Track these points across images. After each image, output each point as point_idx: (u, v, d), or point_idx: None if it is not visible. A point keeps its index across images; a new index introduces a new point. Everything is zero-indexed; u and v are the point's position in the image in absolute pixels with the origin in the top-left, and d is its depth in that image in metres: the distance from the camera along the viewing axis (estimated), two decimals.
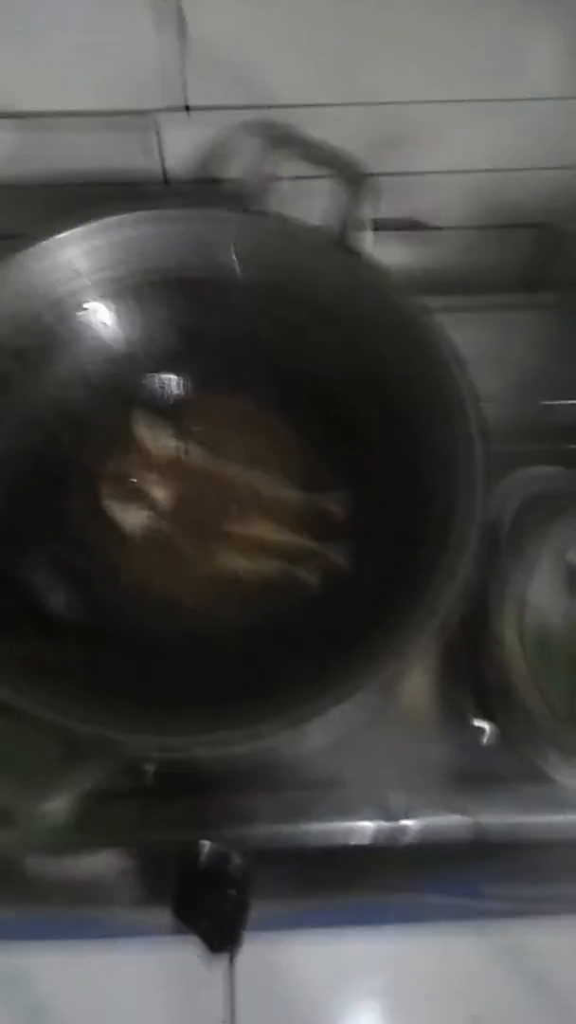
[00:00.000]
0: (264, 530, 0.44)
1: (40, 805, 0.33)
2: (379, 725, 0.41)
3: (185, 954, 0.40)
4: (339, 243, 0.43)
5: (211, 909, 0.39)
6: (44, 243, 0.42)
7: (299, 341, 0.46)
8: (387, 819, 0.40)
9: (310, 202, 0.45)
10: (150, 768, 0.39)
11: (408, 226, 0.51)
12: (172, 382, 0.47)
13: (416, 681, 0.42)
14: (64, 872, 0.40)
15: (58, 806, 0.32)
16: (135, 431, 0.46)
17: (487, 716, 0.42)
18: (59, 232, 0.42)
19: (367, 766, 0.40)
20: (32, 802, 0.33)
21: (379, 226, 0.44)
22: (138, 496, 0.44)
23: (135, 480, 0.45)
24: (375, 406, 0.44)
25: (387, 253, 0.45)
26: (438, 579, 0.35)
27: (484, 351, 0.40)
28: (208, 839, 0.40)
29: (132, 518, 0.44)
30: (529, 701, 0.40)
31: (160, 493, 0.45)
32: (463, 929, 0.43)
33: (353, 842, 0.40)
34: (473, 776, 0.41)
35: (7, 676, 0.33)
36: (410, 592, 0.37)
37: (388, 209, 0.48)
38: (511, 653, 0.40)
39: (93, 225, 0.43)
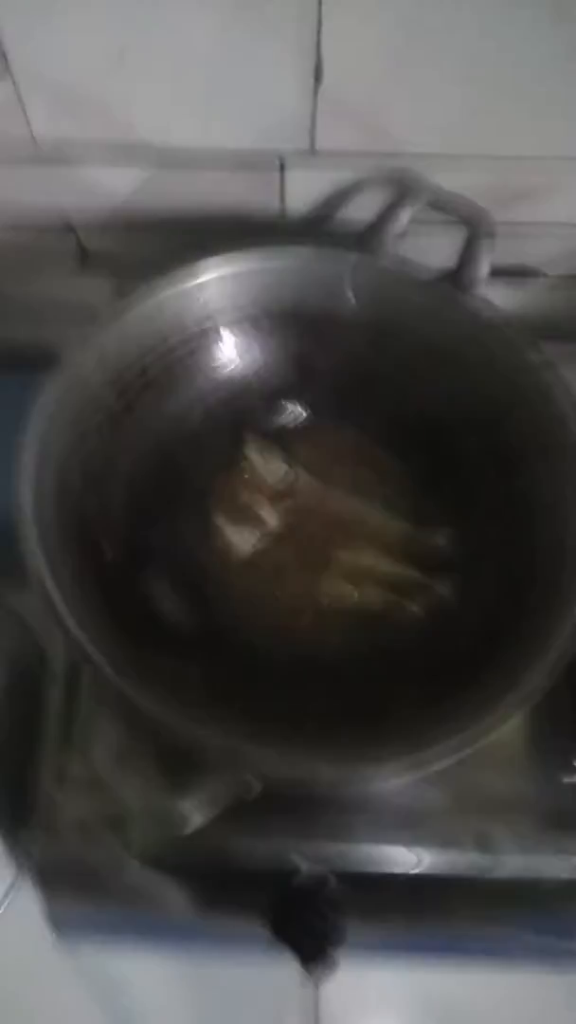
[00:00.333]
0: (370, 559, 0.45)
1: (162, 810, 0.34)
2: (481, 758, 0.41)
3: (275, 972, 0.41)
4: (458, 287, 0.44)
5: (309, 927, 0.40)
6: (176, 273, 0.44)
7: (410, 379, 0.47)
8: (483, 851, 0.41)
9: (429, 246, 0.47)
10: (256, 785, 0.40)
11: (518, 272, 0.53)
12: (285, 411, 0.49)
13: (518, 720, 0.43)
14: (165, 880, 0.41)
15: (181, 814, 0.33)
16: (247, 455, 0.47)
17: None
18: (190, 265, 0.44)
19: (467, 798, 0.41)
20: (155, 805, 0.34)
21: (495, 273, 0.46)
22: (249, 518, 0.46)
23: (246, 502, 0.46)
24: (483, 446, 0.45)
25: (495, 297, 0.46)
26: (549, 621, 0.36)
27: None
28: (306, 858, 0.41)
29: (242, 539, 0.46)
30: None
31: (270, 516, 0.46)
32: (549, 972, 0.43)
33: (448, 872, 0.41)
34: (572, 817, 0.41)
35: (130, 675, 0.35)
36: (518, 628, 0.38)
37: (499, 256, 0.49)
38: None
39: (222, 259, 0.45)
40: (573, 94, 0.43)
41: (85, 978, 0.44)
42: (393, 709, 0.38)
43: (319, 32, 0.39)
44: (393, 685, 0.40)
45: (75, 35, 0.39)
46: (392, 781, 0.37)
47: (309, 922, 0.41)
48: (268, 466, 0.48)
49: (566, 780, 0.42)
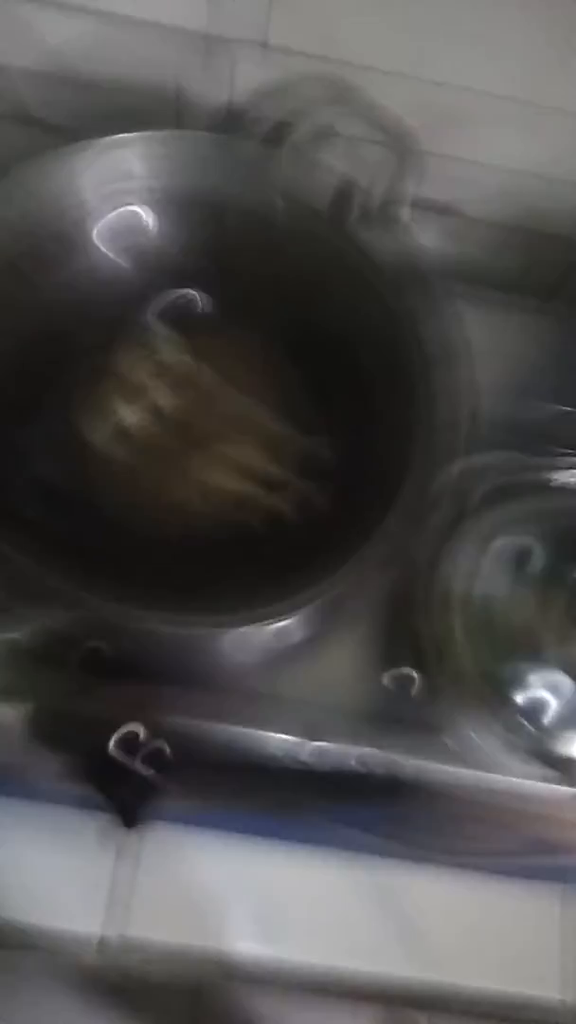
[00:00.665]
0: (251, 456, 0.46)
1: None
2: (316, 655, 0.44)
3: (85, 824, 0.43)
4: (380, 211, 0.45)
5: (129, 783, 0.42)
6: (104, 140, 0.44)
7: (318, 289, 0.48)
8: (305, 737, 0.43)
9: (361, 163, 0.48)
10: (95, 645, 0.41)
11: (444, 210, 0.54)
12: (198, 300, 0.49)
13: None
14: None
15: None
16: (153, 336, 0.48)
17: (418, 667, 0.45)
18: (120, 133, 0.44)
19: (299, 689, 0.43)
20: None
21: (418, 204, 0.47)
22: (141, 397, 0.47)
23: (141, 380, 0.47)
24: (383, 367, 0.47)
25: (421, 232, 0.48)
26: (394, 520, 0.39)
27: (491, 345, 0.44)
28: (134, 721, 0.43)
29: (131, 416, 0.46)
30: (461, 659, 0.43)
31: (163, 400, 0.47)
32: (346, 860, 0.46)
33: (265, 752, 0.43)
34: (393, 718, 0.44)
35: None
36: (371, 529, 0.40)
37: (429, 190, 0.51)
38: (453, 613, 0.43)
39: (157, 135, 0.45)
40: (526, 35, 0.44)
41: None
42: (241, 585, 0.40)
43: None
44: (246, 565, 0.42)
45: None
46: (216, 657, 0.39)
47: (130, 778, 0.43)
48: (171, 352, 0.48)
49: (395, 686, 0.45)
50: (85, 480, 0.45)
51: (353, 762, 0.43)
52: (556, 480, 0.48)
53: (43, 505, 0.42)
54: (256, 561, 0.43)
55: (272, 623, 0.35)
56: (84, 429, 0.46)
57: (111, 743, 0.42)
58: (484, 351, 0.43)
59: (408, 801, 0.45)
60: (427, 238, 0.52)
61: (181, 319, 0.49)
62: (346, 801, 0.45)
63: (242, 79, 0.48)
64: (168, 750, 0.43)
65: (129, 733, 0.42)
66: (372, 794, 0.45)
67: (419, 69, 0.46)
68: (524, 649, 0.44)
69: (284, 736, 0.43)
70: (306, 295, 0.48)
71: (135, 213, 0.47)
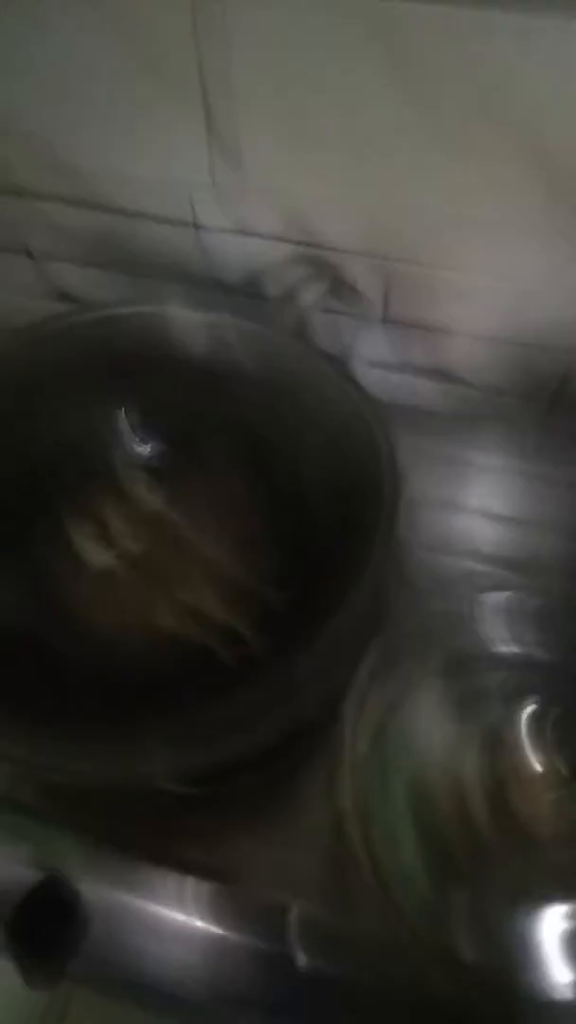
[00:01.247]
0: (200, 599, 0.47)
1: None
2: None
3: None
4: (341, 371, 0.48)
5: (38, 937, 0.41)
6: (98, 314, 0.49)
7: (289, 442, 0.50)
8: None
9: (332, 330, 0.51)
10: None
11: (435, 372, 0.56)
12: (171, 448, 0.52)
13: None
14: None
15: None
16: (121, 479, 0.51)
17: None
18: (125, 307, 0.50)
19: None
20: None
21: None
22: (108, 539, 0.49)
23: (110, 524, 0.49)
24: (330, 520, 0.47)
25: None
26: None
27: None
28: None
29: (97, 557, 0.48)
30: None
31: (129, 542, 0.49)
32: None
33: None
34: None
35: None
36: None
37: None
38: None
39: (137, 309, 0.50)
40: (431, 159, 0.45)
41: None
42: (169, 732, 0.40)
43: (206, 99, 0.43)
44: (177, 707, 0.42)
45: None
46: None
47: (40, 932, 0.41)
48: (141, 494, 0.51)
49: None
50: (43, 615, 0.47)
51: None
52: None
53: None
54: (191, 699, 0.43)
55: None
56: (51, 565, 0.48)
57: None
58: None
59: None
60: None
61: (156, 465, 0.52)
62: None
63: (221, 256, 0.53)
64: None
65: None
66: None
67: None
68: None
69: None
70: (273, 449, 0.50)
71: (117, 369, 0.51)
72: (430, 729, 0.42)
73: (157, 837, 0.44)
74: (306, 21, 0.38)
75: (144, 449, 0.53)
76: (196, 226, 0.51)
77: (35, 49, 0.44)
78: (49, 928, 0.42)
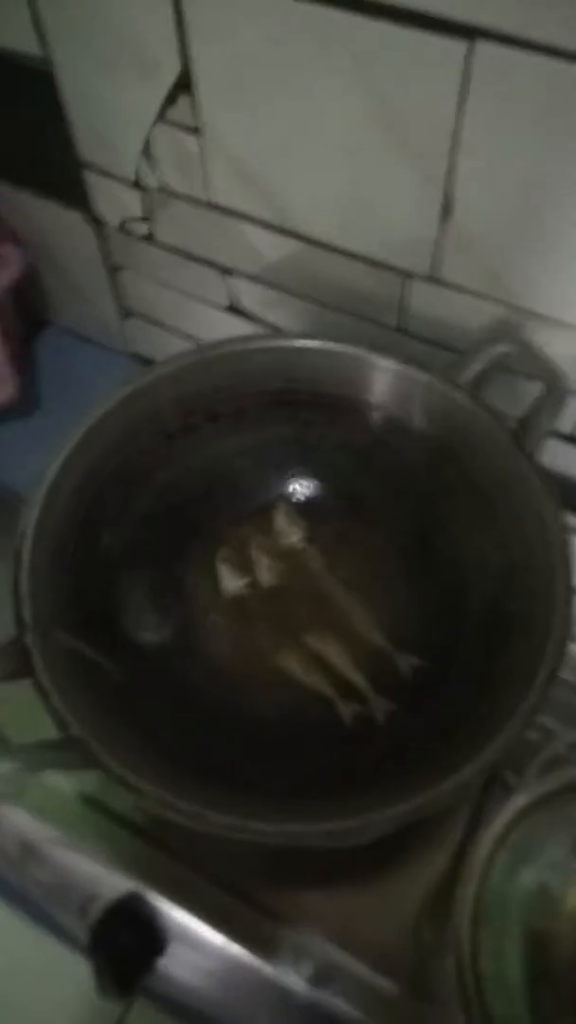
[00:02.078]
0: (329, 651, 0.46)
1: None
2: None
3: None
4: (517, 441, 0.45)
5: (118, 951, 0.42)
6: (278, 343, 0.49)
7: (450, 508, 0.48)
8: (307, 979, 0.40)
9: (512, 394, 0.49)
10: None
11: None
12: (327, 491, 0.52)
13: None
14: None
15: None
16: (274, 515, 0.50)
17: None
18: (284, 340, 0.49)
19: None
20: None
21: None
22: (245, 568, 0.49)
23: (250, 554, 0.49)
24: (484, 601, 0.45)
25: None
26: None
27: None
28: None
29: (231, 582, 0.49)
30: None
31: (265, 576, 0.49)
32: None
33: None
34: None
35: (51, 654, 0.39)
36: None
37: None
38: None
39: (320, 341, 0.49)
40: None
41: None
42: (272, 785, 0.40)
43: (450, 173, 0.42)
44: (295, 765, 0.41)
45: (252, 122, 0.45)
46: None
47: (120, 946, 0.42)
48: (287, 533, 0.50)
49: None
50: (171, 642, 0.47)
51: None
52: None
53: (112, 647, 0.45)
54: (305, 757, 0.43)
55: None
56: (190, 588, 0.49)
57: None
58: None
59: None
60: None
61: (308, 506, 0.51)
62: None
63: (416, 304, 0.51)
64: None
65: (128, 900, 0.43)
66: None
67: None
68: None
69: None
70: (431, 511, 0.49)
71: (294, 403, 0.51)
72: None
73: (247, 876, 0.44)
74: None
75: (301, 486, 0.52)
76: (408, 274, 0.49)
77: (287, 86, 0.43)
78: (129, 942, 0.43)
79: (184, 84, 0.46)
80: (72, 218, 0.60)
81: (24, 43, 0.49)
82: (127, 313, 0.68)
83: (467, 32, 0.35)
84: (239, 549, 0.50)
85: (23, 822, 0.46)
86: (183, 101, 0.47)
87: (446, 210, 0.44)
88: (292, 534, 0.50)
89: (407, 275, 0.49)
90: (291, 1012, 0.40)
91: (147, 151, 0.51)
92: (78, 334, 0.75)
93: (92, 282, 0.66)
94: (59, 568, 0.42)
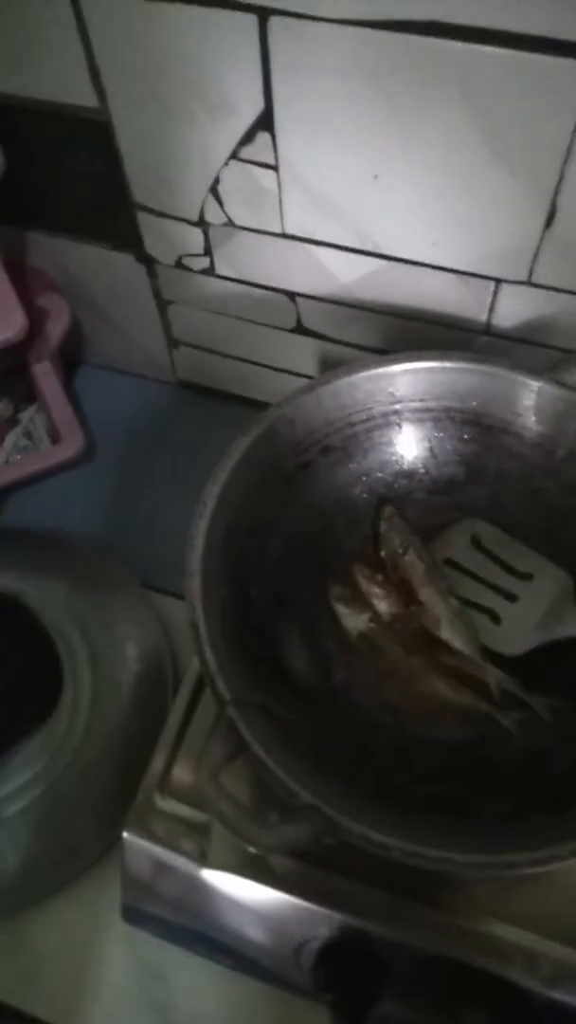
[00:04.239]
0: (471, 667, 0.46)
1: (242, 834, 0.37)
2: None
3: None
4: None
5: (350, 985, 0.43)
6: (377, 369, 0.48)
7: (573, 506, 0.49)
8: (530, 972, 0.41)
9: None
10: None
11: None
12: (440, 506, 0.52)
13: None
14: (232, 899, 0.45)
15: (257, 842, 0.37)
16: (394, 540, 0.50)
17: None
18: (390, 356, 0.49)
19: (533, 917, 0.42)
20: (236, 830, 0.38)
21: None
22: (361, 602, 0.48)
23: (362, 587, 0.48)
24: None
25: None
26: None
27: None
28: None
29: (354, 621, 0.48)
30: None
31: (383, 606, 0.48)
32: None
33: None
34: None
35: (247, 714, 0.39)
36: None
37: None
38: None
39: (418, 357, 0.49)
40: None
41: (137, 962, 0.49)
42: (483, 808, 0.41)
43: (559, 184, 0.42)
44: (485, 786, 0.42)
45: (337, 154, 0.45)
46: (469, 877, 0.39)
47: (351, 980, 0.43)
48: (404, 558, 0.50)
49: None
50: (325, 684, 0.47)
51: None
52: None
53: (288, 697, 0.45)
54: (486, 779, 0.44)
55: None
56: (330, 627, 0.49)
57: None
58: None
59: None
60: None
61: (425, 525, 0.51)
62: None
63: (504, 307, 0.51)
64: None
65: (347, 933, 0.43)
66: None
67: None
68: None
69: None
70: (559, 512, 0.49)
71: (395, 428, 0.51)
72: None
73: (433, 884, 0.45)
74: None
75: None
76: (500, 281, 0.49)
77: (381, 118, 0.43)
78: (355, 976, 0.44)
79: (264, 124, 0.45)
80: (121, 260, 0.59)
81: (81, 97, 0.47)
82: (176, 343, 0.67)
83: None
84: (348, 584, 0.49)
85: (214, 877, 0.46)
86: (261, 139, 0.46)
87: (550, 218, 0.44)
88: (409, 556, 0.50)
89: (499, 281, 0.49)
90: (534, 1015, 0.42)
91: (215, 188, 0.50)
92: (117, 368, 0.73)
93: (139, 319, 0.65)
94: (228, 634, 0.42)
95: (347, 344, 0.59)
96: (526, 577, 0.48)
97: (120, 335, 0.68)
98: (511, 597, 0.48)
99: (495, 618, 0.48)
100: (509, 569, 0.49)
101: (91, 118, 0.48)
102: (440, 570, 0.49)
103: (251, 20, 0.39)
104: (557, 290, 0.48)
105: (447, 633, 0.46)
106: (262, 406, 0.47)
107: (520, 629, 0.47)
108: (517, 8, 0.35)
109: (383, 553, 0.50)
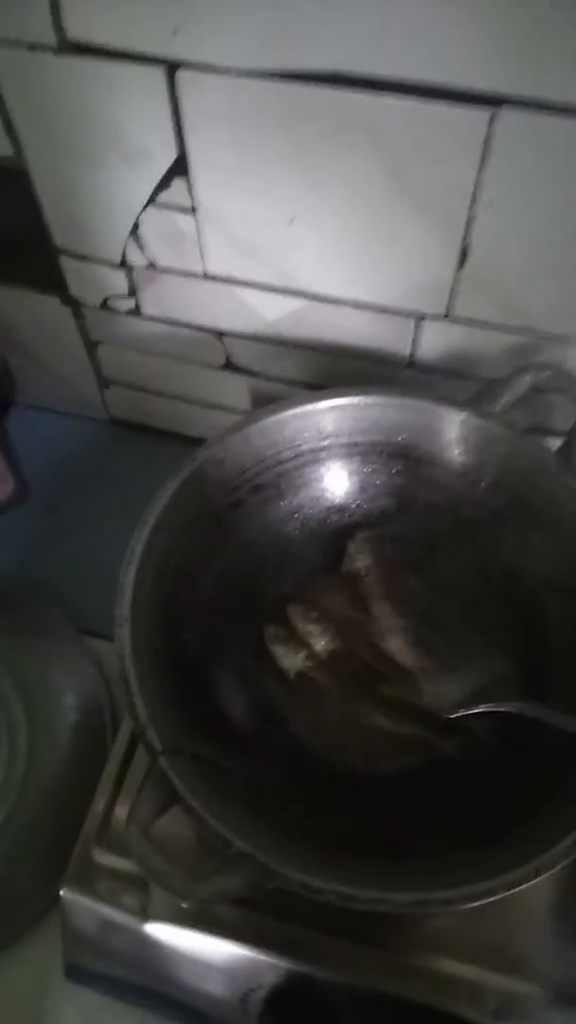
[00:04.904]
0: (410, 695, 0.46)
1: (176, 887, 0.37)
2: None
3: None
4: (564, 457, 0.47)
5: None
6: (304, 407, 0.49)
7: (501, 534, 0.50)
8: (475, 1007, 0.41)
9: (548, 414, 0.51)
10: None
11: None
12: (372, 539, 0.52)
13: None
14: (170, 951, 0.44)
15: (193, 894, 0.36)
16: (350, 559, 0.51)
17: None
18: (317, 393, 0.49)
19: (473, 946, 0.42)
20: (171, 881, 0.37)
21: None
22: (298, 641, 0.48)
23: (300, 626, 0.48)
24: (562, 613, 0.47)
25: None
26: None
27: None
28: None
29: (289, 662, 0.48)
30: None
31: (318, 642, 0.48)
32: None
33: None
34: None
35: (179, 764, 0.38)
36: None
37: None
38: None
39: (345, 393, 0.49)
40: None
41: (83, 1021, 0.48)
42: (420, 844, 0.40)
43: (469, 223, 0.43)
44: (422, 823, 0.42)
45: (253, 198, 0.45)
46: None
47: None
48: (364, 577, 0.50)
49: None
50: (263, 728, 0.47)
51: None
52: None
53: (224, 741, 0.44)
54: (425, 809, 0.44)
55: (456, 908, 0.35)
56: (270, 668, 0.48)
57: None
58: None
59: None
60: None
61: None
62: None
63: (427, 342, 0.52)
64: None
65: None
66: None
67: None
68: None
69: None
70: (484, 534, 0.50)
71: (325, 464, 0.51)
72: None
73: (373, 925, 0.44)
74: None
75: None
76: (421, 316, 0.50)
77: (294, 164, 0.43)
78: (301, 1021, 0.43)
79: (180, 170, 0.45)
80: (46, 302, 0.59)
81: None
82: (107, 382, 0.67)
83: (492, 101, 0.37)
84: (282, 624, 0.49)
85: (157, 931, 0.45)
86: (178, 184, 0.46)
87: (463, 257, 0.45)
88: (337, 597, 0.50)
89: (420, 317, 0.50)
90: None
91: (135, 232, 0.50)
92: (49, 408, 0.72)
93: (69, 359, 0.64)
94: (161, 681, 0.42)
95: (277, 379, 0.59)
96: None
97: (50, 375, 0.67)
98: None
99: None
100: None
101: (7, 167, 0.48)
102: (400, 595, 0.49)
103: (159, 73, 0.40)
104: (476, 323, 0.49)
105: (393, 644, 0.47)
106: (196, 442, 0.47)
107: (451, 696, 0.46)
108: (416, 60, 0.36)
109: (345, 567, 0.50)
